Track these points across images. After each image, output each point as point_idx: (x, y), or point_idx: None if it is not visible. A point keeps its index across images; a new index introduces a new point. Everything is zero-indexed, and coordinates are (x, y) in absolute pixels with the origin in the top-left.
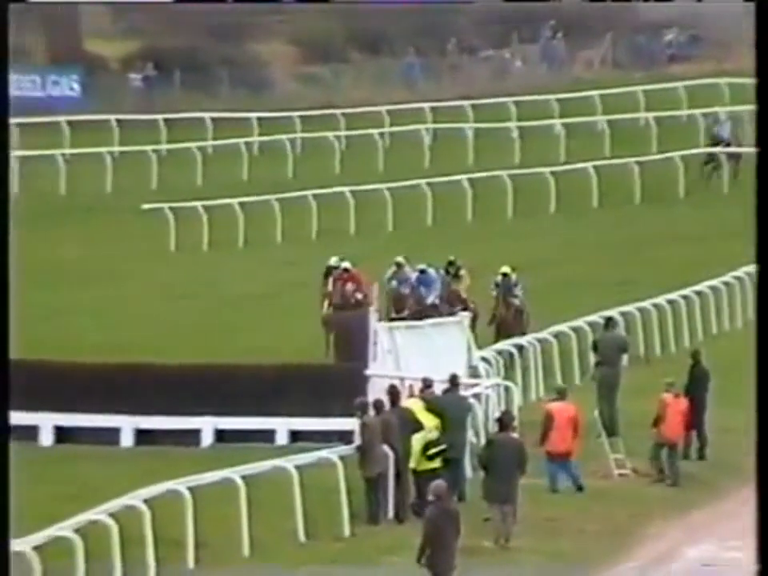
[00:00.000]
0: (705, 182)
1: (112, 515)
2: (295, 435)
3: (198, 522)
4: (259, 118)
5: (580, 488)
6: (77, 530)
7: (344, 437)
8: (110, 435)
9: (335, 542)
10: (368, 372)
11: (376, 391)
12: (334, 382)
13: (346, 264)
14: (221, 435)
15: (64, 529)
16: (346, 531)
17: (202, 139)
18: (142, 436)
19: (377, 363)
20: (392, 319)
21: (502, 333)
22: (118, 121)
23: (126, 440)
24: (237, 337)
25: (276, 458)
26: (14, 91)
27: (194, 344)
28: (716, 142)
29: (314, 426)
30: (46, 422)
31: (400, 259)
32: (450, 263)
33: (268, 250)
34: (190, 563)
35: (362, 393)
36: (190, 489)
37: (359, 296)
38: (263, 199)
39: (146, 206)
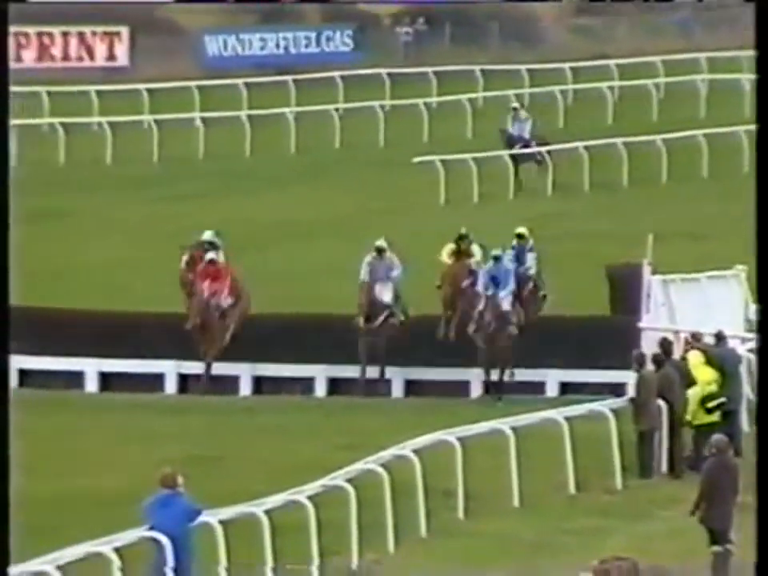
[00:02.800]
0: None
1: (383, 465)
2: (565, 387)
3: (467, 472)
4: (529, 70)
5: None
6: (349, 480)
7: (615, 389)
8: (386, 387)
9: (606, 495)
10: (641, 325)
11: (649, 344)
12: (607, 335)
13: (211, 254)
14: (487, 387)
15: (337, 478)
16: (618, 484)
17: (471, 92)
18: (412, 387)
19: (650, 316)
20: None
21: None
22: (389, 75)
23: (397, 391)
24: None
25: (546, 410)
26: (291, 49)
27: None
28: (513, 140)
29: (584, 377)
30: (321, 373)
31: (381, 243)
32: (461, 236)
33: (537, 202)
34: (460, 514)
35: (634, 346)
36: (460, 439)
37: (225, 303)
38: (533, 151)
39: (416, 159)
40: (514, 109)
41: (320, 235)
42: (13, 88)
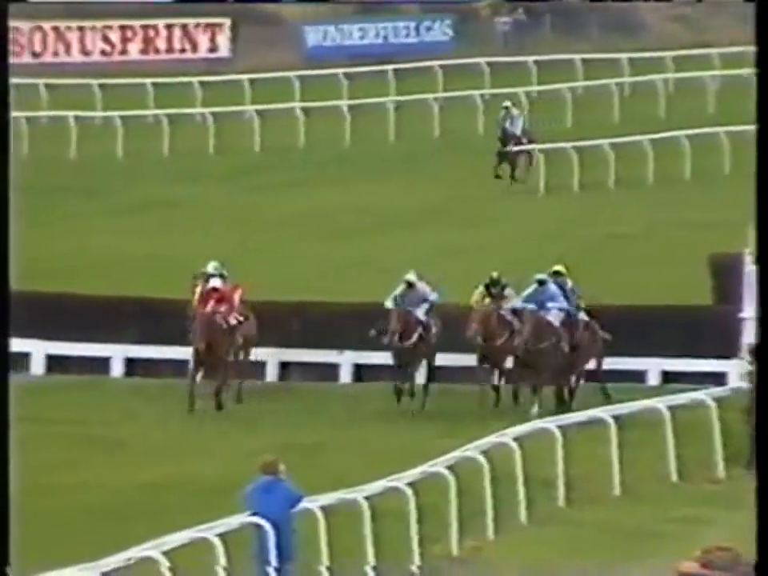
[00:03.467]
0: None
1: (483, 452)
2: (667, 376)
3: (568, 461)
4: (630, 59)
5: None
6: (449, 467)
7: (717, 379)
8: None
9: (709, 484)
10: (743, 315)
11: (750, 335)
12: (709, 324)
13: (215, 281)
14: (588, 375)
15: (437, 465)
16: (721, 474)
17: (571, 81)
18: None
19: (753, 306)
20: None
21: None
22: (489, 64)
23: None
24: (603, 277)
25: (648, 399)
26: (390, 39)
27: None
28: (507, 137)
29: (686, 367)
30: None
31: (410, 277)
32: (493, 281)
33: (640, 191)
34: (561, 502)
35: (736, 336)
36: (560, 427)
37: (233, 321)
38: (635, 140)
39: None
40: (506, 108)
41: (419, 223)
42: (117, 80)
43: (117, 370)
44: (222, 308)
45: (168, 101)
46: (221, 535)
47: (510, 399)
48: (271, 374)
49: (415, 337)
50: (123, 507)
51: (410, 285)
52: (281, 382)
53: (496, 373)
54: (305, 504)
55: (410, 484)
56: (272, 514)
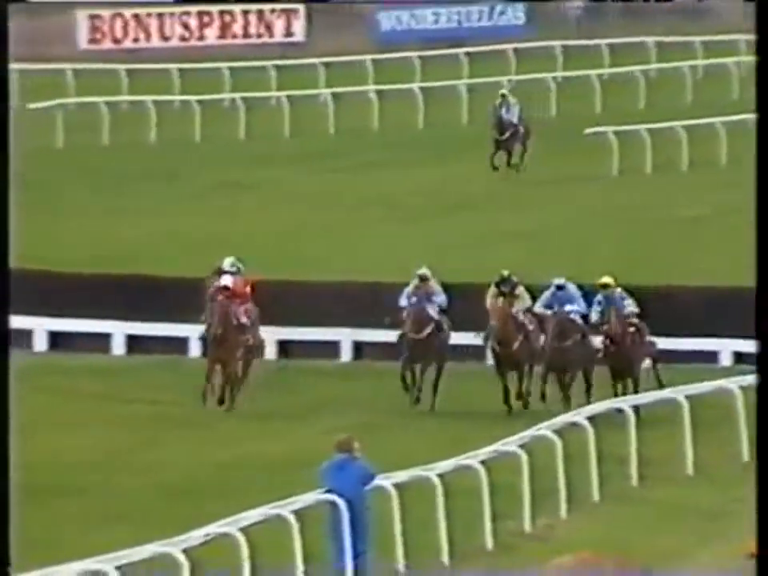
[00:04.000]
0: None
1: (556, 431)
2: (740, 357)
3: (641, 440)
4: (702, 42)
5: None
6: (521, 446)
7: None
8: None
9: None
10: None
11: None
12: None
13: (226, 279)
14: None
15: (509, 444)
16: None
17: (644, 64)
18: None
19: None
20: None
21: (621, 364)
22: (562, 47)
23: None
24: (674, 259)
25: (720, 379)
26: (463, 23)
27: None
28: (504, 125)
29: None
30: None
31: (424, 271)
32: (503, 279)
33: (712, 173)
34: (634, 481)
35: None
36: (634, 407)
37: (243, 319)
38: (707, 122)
39: (589, 131)
40: (503, 95)
41: (488, 206)
42: (195, 65)
43: (194, 349)
44: (233, 306)
45: (244, 85)
46: (295, 512)
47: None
48: (345, 353)
49: (428, 330)
50: (198, 486)
51: (423, 279)
52: (355, 361)
53: (514, 376)
54: (378, 481)
55: (483, 462)
56: (346, 491)
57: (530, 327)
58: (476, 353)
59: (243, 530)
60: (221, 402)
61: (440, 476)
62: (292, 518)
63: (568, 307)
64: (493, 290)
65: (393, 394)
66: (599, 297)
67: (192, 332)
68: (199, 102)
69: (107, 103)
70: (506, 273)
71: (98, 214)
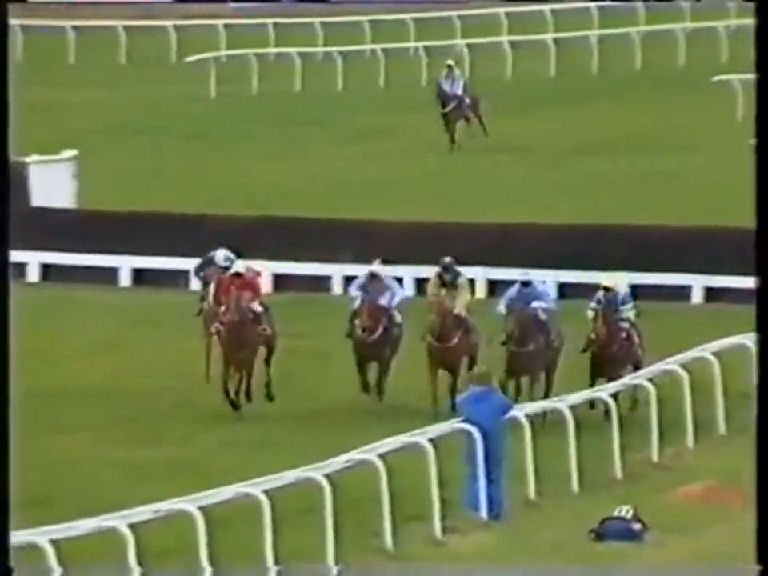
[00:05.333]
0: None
1: (683, 366)
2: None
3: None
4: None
5: None
6: (649, 380)
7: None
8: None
9: None
10: None
11: None
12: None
13: (239, 266)
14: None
15: (639, 378)
16: None
17: None
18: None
19: None
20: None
21: (601, 365)
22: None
23: (697, 297)
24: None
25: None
26: None
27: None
28: (446, 97)
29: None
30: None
31: (375, 269)
32: (445, 267)
33: None
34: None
35: None
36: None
37: (259, 309)
38: None
39: (716, 78)
40: (449, 66)
41: (622, 149)
42: (336, 18)
43: (336, 287)
44: (247, 295)
45: (382, 38)
46: (432, 440)
47: None
48: (480, 290)
49: (380, 330)
50: (335, 415)
51: (374, 276)
52: (488, 298)
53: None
54: (513, 413)
55: (613, 395)
56: (483, 421)
57: (470, 322)
58: None
59: (382, 456)
60: (247, 395)
61: (571, 408)
62: (429, 446)
63: (535, 303)
64: (435, 279)
65: None
66: (599, 295)
67: (333, 271)
68: (341, 53)
69: (257, 56)
70: (447, 260)
71: (250, 158)
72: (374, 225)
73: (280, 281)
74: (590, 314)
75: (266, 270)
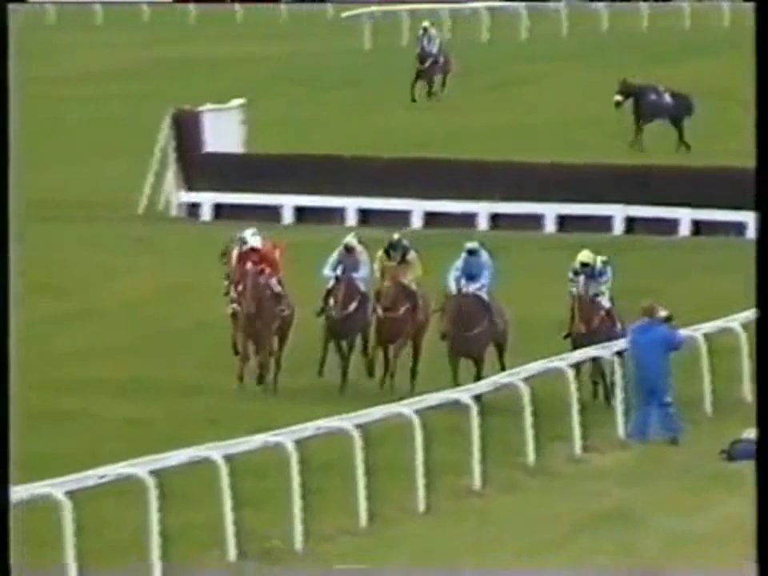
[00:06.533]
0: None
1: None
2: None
3: None
4: None
5: None
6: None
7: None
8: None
9: None
10: None
11: None
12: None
13: (255, 241)
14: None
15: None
16: None
17: None
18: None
19: None
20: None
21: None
22: None
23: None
24: None
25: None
26: None
27: None
28: (424, 57)
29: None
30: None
31: (350, 240)
32: (392, 244)
33: None
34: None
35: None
36: None
37: (278, 288)
38: None
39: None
40: (425, 29)
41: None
42: None
43: (482, 224)
44: (265, 270)
45: None
46: (573, 365)
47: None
48: (617, 228)
49: (354, 304)
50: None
51: (349, 249)
52: (626, 235)
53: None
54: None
55: (743, 326)
56: (647, 351)
57: (419, 297)
58: None
59: (527, 380)
60: (260, 380)
61: (705, 336)
62: (570, 372)
63: (472, 287)
64: (381, 254)
65: (661, 264)
66: (576, 267)
67: (481, 209)
68: (488, 8)
69: (408, 10)
70: (396, 236)
71: (400, 105)
72: (519, 166)
73: (430, 218)
74: (570, 286)
75: (282, 242)
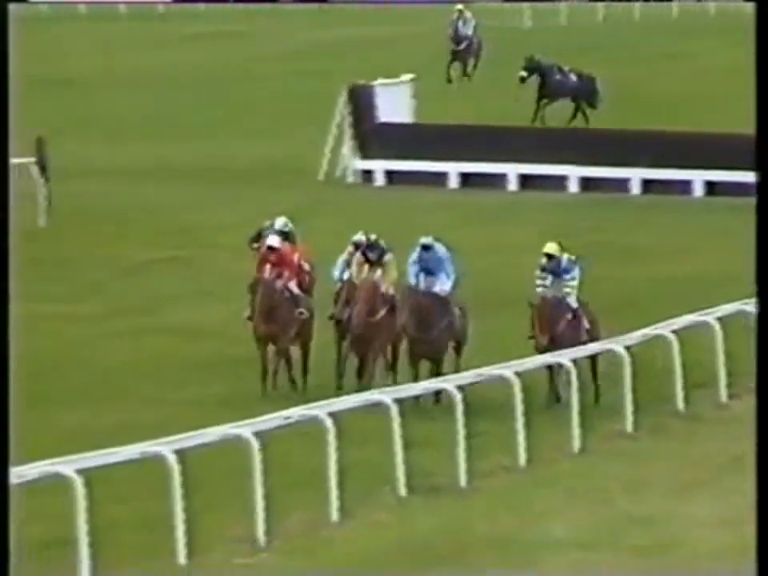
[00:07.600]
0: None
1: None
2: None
3: None
4: None
5: None
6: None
7: None
8: None
9: None
10: None
11: None
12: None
13: (273, 240)
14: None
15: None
16: None
17: None
18: None
19: None
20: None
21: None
22: None
23: None
24: None
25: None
26: None
27: None
28: (459, 39)
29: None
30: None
31: (359, 238)
32: (370, 245)
33: None
34: None
35: None
36: None
37: (296, 289)
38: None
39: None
40: (459, 11)
41: None
42: None
43: (635, 189)
44: (284, 273)
45: None
46: (720, 319)
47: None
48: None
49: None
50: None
51: (358, 248)
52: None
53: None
54: None
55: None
56: None
57: (396, 301)
58: None
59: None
60: (292, 382)
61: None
62: (717, 325)
63: (431, 283)
64: (359, 257)
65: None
66: (543, 263)
67: (633, 175)
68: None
69: None
70: (373, 237)
71: (484, 85)
72: (667, 135)
73: (586, 183)
74: (538, 287)
75: (303, 244)
